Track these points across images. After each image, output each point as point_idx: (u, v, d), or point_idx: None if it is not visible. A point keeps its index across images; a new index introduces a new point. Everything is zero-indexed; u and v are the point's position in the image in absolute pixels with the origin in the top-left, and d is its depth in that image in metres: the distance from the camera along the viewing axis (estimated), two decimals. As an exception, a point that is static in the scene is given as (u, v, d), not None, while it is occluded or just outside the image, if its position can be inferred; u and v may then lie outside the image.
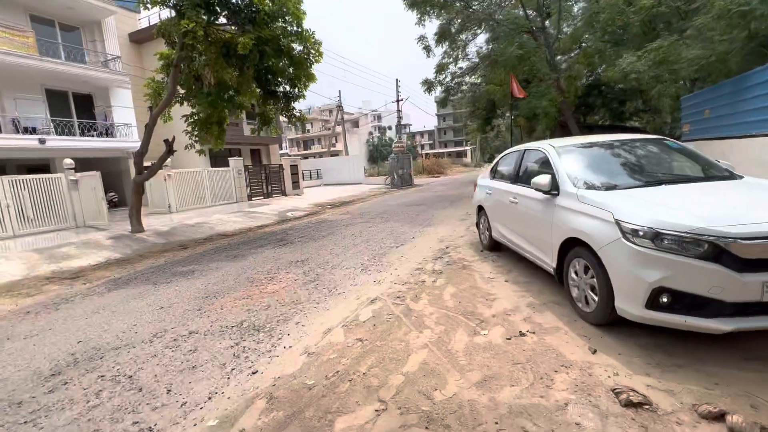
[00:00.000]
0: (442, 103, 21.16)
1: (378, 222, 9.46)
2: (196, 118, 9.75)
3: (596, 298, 2.92)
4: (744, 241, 2.26)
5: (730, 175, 3.43)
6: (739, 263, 2.27)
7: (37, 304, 5.03)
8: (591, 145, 3.98)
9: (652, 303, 2.47)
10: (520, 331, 3.02)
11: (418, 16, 16.07)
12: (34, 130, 13.84)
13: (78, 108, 15.99)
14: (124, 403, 2.55)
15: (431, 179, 27.93)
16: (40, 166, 15.47)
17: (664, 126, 17.27)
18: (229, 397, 2.51)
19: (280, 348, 3.16)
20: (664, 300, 2.45)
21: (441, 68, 17.83)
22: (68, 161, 10.87)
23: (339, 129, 42.45)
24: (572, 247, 3.23)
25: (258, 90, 9.84)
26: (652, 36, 10.16)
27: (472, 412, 2.12)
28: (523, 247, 4.32)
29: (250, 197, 17.26)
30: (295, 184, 20.49)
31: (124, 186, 17.26)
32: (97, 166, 13.07)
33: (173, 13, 8.35)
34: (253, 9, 8.18)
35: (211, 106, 9.13)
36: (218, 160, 19.57)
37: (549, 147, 4.02)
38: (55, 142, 14.11)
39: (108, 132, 16.36)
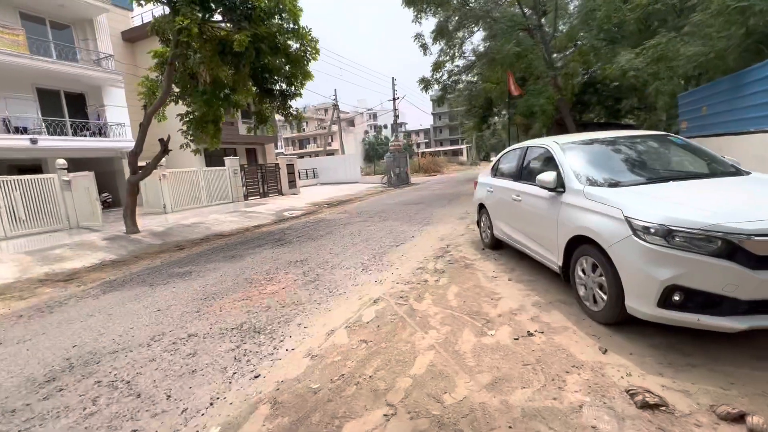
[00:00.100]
0: (439, 101, 21.13)
1: (376, 221, 9.38)
2: (191, 116, 9.60)
3: (605, 297, 2.87)
4: (758, 238, 2.21)
5: (737, 171, 3.39)
6: (753, 260, 2.23)
7: (30, 307, 4.91)
8: (595, 141, 3.93)
9: (665, 301, 2.43)
10: (528, 331, 2.97)
11: (415, 13, 16.01)
12: (25, 130, 13.60)
13: (70, 107, 15.75)
14: (122, 409, 2.46)
15: (428, 178, 27.88)
16: (32, 166, 15.22)
17: (660, 123, 17.30)
18: (231, 403, 2.43)
19: (283, 350, 3.08)
20: (677, 298, 2.40)
21: (438, 66, 17.78)
22: (61, 161, 10.69)
23: (335, 128, 42.29)
24: (579, 244, 3.18)
25: (254, 88, 9.72)
26: (647, 34, 10.16)
27: (485, 416, 2.06)
28: (527, 246, 4.27)
29: (246, 197, 17.11)
30: (292, 184, 20.35)
31: (118, 186, 17.05)
32: (90, 166, 12.86)
33: (167, 10, 8.22)
34: (249, 6, 8.06)
35: (206, 104, 8.99)
36: (213, 159, 19.40)
37: (553, 144, 3.97)
38: (47, 142, 13.89)
39: (101, 132, 16.14)
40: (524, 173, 4.51)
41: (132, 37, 19.68)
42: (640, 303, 2.54)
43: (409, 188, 19.85)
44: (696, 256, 2.32)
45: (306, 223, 10.34)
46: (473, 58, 18.25)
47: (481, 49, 17.81)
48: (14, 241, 9.27)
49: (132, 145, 10.89)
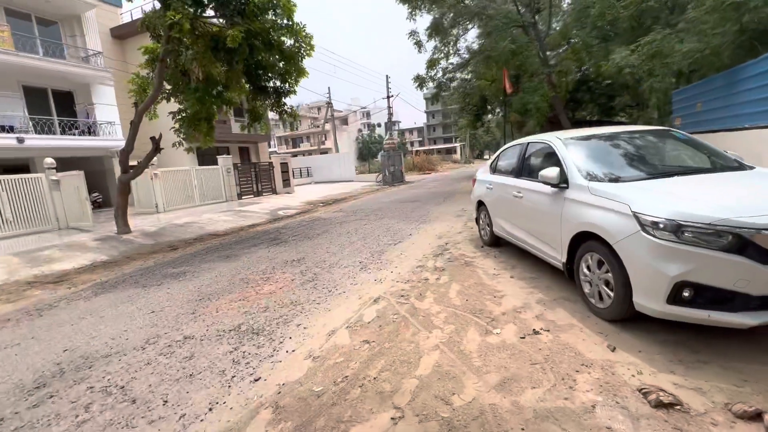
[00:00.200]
0: (434, 98, 21.05)
1: (373, 219, 9.30)
2: (183, 114, 9.42)
3: (611, 294, 2.83)
4: (770, 232, 2.18)
5: (740, 166, 3.37)
6: (764, 255, 2.19)
7: (18, 310, 4.75)
8: (597, 136, 3.89)
9: (674, 298, 2.39)
10: (534, 329, 2.92)
11: (409, 10, 15.92)
12: (11, 129, 13.26)
13: (58, 105, 15.41)
14: (117, 416, 2.36)
15: (422, 176, 27.84)
16: (19, 166, 14.86)
17: (652, 121, 17.42)
18: (231, 408, 2.34)
19: (283, 352, 2.99)
20: (686, 294, 2.36)
21: (432, 64, 17.71)
22: (49, 160, 10.44)
23: (328, 126, 42.07)
24: (584, 241, 3.13)
25: (247, 85, 9.56)
26: (640, 31, 10.19)
27: (496, 418, 2.00)
28: (529, 243, 4.22)
29: (239, 196, 16.91)
30: (286, 182, 20.17)
31: (108, 186, 16.74)
32: (79, 165, 12.58)
33: (158, 6, 8.03)
34: (242, 1, 7.91)
35: (199, 102, 8.81)
36: (206, 158, 19.13)
37: (555, 139, 3.92)
38: (35, 141, 13.56)
39: (90, 130, 15.82)
40: (525, 169, 4.46)
41: (121, 33, 19.31)
42: (649, 299, 2.50)
43: (404, 186, 19.78)
44: (706, 251, 2.28)
45: (301, 222, 10.23)
46: (467, 55, 18.21)
47: (475, 46, 17.78)
48: (1, 242, 9.02)
49: (122, 143, 10.68)
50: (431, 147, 61.80)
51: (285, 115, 10.27)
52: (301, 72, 9.41)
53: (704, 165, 3.51)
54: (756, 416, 1.82)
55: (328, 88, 41.75)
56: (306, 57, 9.18)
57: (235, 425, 2.18)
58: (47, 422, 2.37)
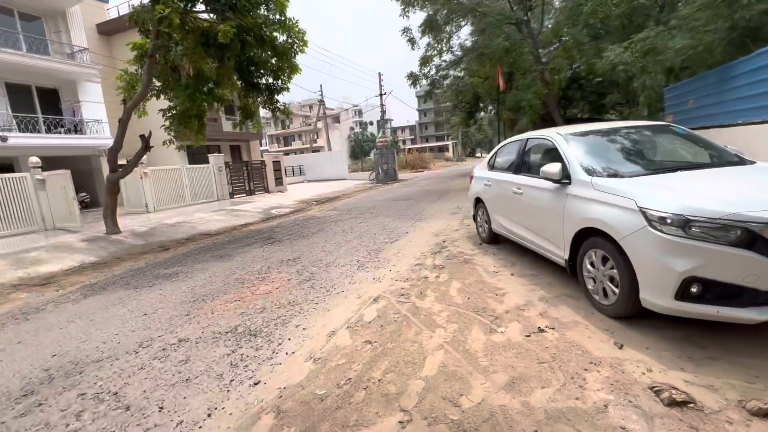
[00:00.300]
0: (427, 95, 20.98)
1: (368, 217, 9.22)
2: (174, 112, 9.22)
3: (617, 291, 2.79)
4: (779, 227, 2.15)
5: (741, 161, 3.37)
6: (773, 250, 2.17)
7: (3, 314, 4.58)
8: (598, 132, 3.85)
9: (682, 294, 2.35)
10: (539, 327, 2.87)
11: (403, 6, 15.83)
12: (-6, 127, 12.91)
13: (43, 103, 15.03)
14: (110, 424, 2.26)
15: (415, 174, 27.82)
16: (3, 165, 14.45)
17: (643, 118, 17.64)
18: (231, 413, 2.25)
19: (282, 354, 2.90)
20: (695, 290, 2.33)
21: (425, 61, 17.65)
22: (34, 159, 10.15)
23: (320, 124, 41.79)
24: (587, 237, 3.10)
25: (239, 82, 9.40)
26: (631, 29, 10.25)
27: (507, 420, 1.94)
28: (529, 239, 4.19)
29: (231, 195, 16.68)
30: (278, 181, 19.97)
31: (96, 186, 16.39)
32: (66, 164, 12.28)
33: (146, 0, 7.82)
34: (234, -5, 7.76)
35: (189, 99, 8.62)
36: (196, 157, 18.85)
37: (556, 135, 3.88)
38: (19, 139, 13.21)
39: (77, 129, 15.46)
40: (525, 166, 4.42)
41: (108, 29, 18.90)
42: (657, 296, 2.47)
43: (397, 184, 19.72)
44: (715, 246, 2.25)
45: (295, 221, 10.10)
46: (461, 52, 18.19)
47: (469, 43, 17.78)
48: (-15, 244, 8.75)
49: (110, 142, 10.42)
50: (424, 145, 61.84)
51: (278, 113, 10.13)
52: (294, 68, 9.27)
53: (705, 160, 3.49)
54: (771, 413, 1.79)
55: (320, 85, 41.42)
56: (299, 53, 9.06)
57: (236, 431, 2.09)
58: (36, 432, 2.26)
